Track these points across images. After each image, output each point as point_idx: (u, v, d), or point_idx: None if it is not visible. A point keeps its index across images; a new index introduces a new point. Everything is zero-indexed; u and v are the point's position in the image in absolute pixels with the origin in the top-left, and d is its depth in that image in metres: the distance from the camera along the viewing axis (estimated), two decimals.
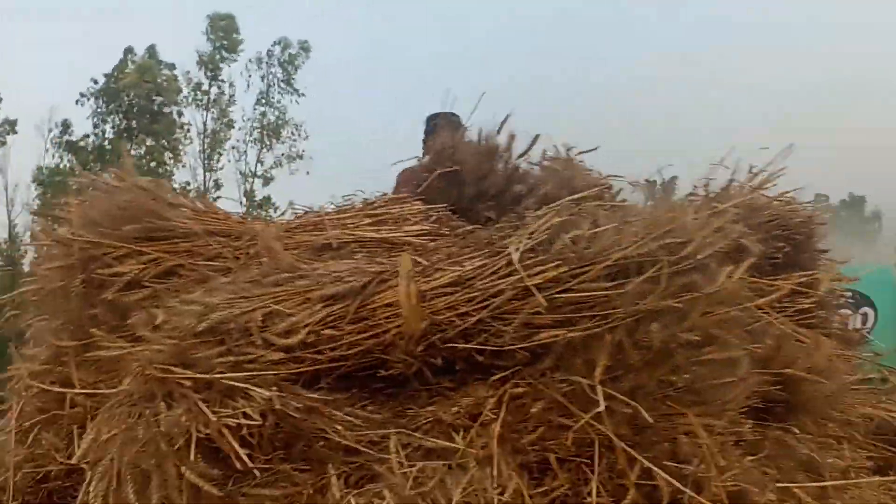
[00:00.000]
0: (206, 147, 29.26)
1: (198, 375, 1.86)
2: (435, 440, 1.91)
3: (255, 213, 31.93)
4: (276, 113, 29.73)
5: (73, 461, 1.88)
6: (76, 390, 2.12)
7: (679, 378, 1.81)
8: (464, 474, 1.82)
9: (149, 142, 29.04)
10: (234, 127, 29.76)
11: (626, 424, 1.79)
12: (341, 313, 1.99)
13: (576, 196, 2.09)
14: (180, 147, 29.16)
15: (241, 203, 30.62)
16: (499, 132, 2.49)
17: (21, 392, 2.28)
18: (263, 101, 29.61)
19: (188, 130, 29.45)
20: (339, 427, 1.87)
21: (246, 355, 1.92)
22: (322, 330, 1.97)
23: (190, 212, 2.31)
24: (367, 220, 2.34)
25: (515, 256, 1.88)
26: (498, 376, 1.94)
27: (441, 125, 3.00)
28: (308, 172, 29.40)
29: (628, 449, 1.73)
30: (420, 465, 1.83)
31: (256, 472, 1.77)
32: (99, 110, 29.13)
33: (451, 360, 2.02)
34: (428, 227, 2.30)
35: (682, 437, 1.75)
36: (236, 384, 1.86)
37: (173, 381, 1.89)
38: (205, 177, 29.25)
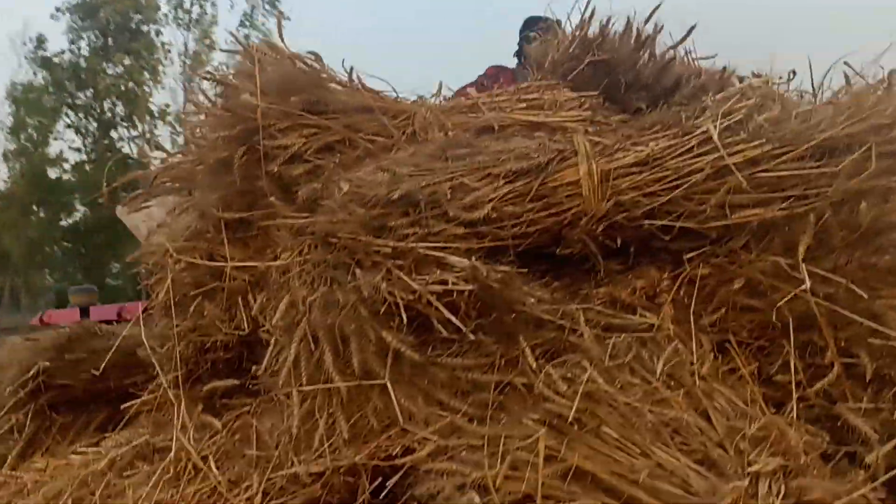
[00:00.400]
0: (186, 69, 28.59)
1: (395, 244, 1.85)
2: (624, 316, 1.92)
3: None
4: (261, 36, 29.01)
5: (273, 324, 1.85)
6: (251, 262, 2.09)
7: (880, 259, 1.83)
8: (656, 349, 1.84)
9: (126, 61, 28.32)
10: (216, 49, 29.06)
11: (824, 305, 1.82)
12: (523, 190, 1.97)
13: (758, 81, 2.07)
14: (160, 68, 28.52)
15: None
16: (646, 22, 2.45)
17: (169, 266, 2.25)
18: (248, 23, 28.86)
19: (168, 51, 28.76)
20: (532, 300, 1.87)
21: (430, 228, 1.91)
22: (504, 206, 1.96)
23: (346, 88, 2.26)
24: (522, 105, 2.31)
25: (715, 134, 1.87)
26: (690, 255, 1.94)
27: (543, 27, 2.94)
28: None
29: (847, 312, 1.74)
30: (617, 337, 1.84)
31: (471, 336, 1.77)
32: (74, 26, 28.29)
33: (627, 241, 2.03)
34: (584, 114, 2.28)
35: (889, 313, 1.77)
36: (431, 254, 1.85)
37: (364, 250, 1.88)
38: (185, 99, 28.63)
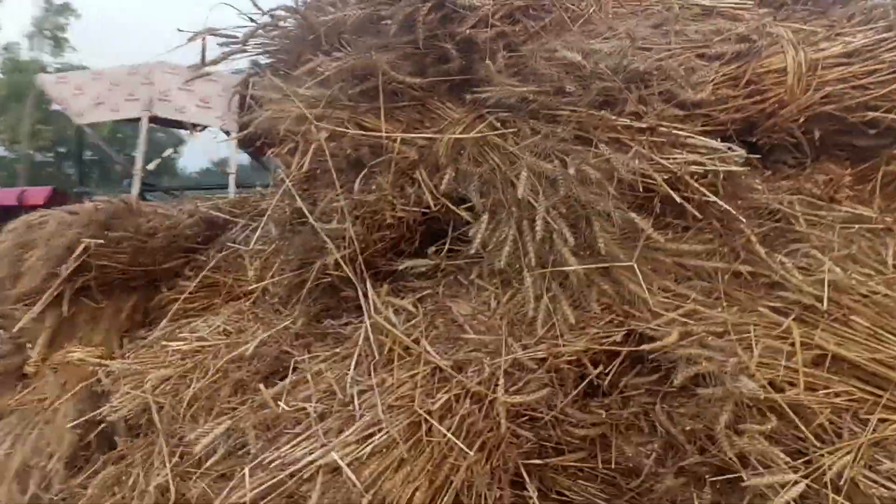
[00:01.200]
0: None
1: (638, 121, 1.73)
2: (837, 208, 1.90)
3: (51, 20, 28.96)
4: None
5: (520, 196, 1.69)
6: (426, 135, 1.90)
7: None
8: (878, 241, 1.84)
9: None
10: None
11: None
12: (736, 74, 1.90)
13: None
14: None
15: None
16: None
17: (306, 135, 2.00)
18: None
19: None
20: (761, 187, 1.82)
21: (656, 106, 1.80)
22: (718, 89, 1.88)
23: None
24: None
25: None
26: None
27: None
28: None
29: None
30: (845, 228, 1.83)
31: (741, 219, 1.69)
32: None
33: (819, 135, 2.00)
34: (749, 3, 2.20)
35: None
36: (675, 133, 1.75)
37: (598, 125, 1.76)
38: None
